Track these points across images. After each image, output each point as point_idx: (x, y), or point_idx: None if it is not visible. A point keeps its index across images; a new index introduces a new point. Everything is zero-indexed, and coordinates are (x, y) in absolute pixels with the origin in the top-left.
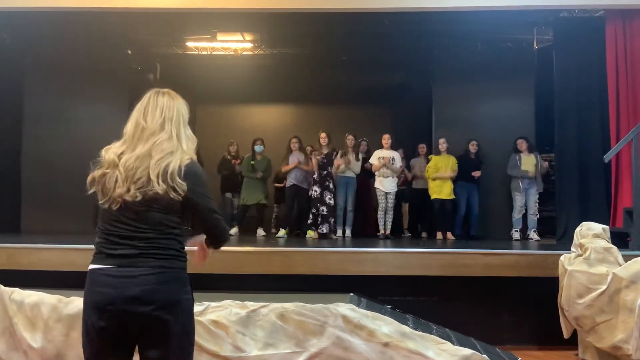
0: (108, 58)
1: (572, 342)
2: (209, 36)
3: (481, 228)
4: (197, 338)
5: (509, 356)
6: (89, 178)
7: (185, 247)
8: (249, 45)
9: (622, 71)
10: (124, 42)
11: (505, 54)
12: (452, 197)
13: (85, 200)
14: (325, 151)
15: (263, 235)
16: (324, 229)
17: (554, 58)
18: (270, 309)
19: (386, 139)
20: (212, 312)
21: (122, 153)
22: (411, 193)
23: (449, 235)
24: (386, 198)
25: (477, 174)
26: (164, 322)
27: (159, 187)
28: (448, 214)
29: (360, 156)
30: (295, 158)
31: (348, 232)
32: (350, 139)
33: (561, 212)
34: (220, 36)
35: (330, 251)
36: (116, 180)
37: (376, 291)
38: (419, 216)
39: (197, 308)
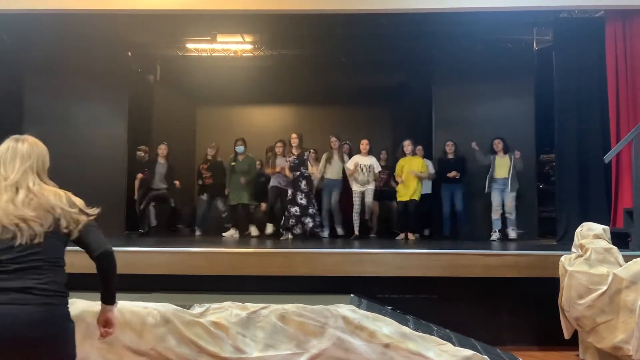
0: (108, 59)
1: (572, 343)
2: (209, 37)
3: (473, 228)
4: (197, 339)
5: (509, 357)
6: None
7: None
8: (249, 46)
9: (621, 71)
10: (124, 44)
11: (505, 54)
12: (415, 197)
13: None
14: (296, 152)
15: (255, 236)
16: (297, 230)
17: (553, 58)
18: (270, 310)
19: (364, 145)
20: (212, 314)
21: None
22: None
23: (410, 235)
24: (362, 199)
25: (452, 174)
26: (41, 356)
27: (43, 227)
28: (412, 215)
29: (346, 158)
30: (281, 162)
31: (340, 231)
32: (333, 141)
33: (561, 212)
34: (220, 37)
35: (330, 252)
36: (7, 223)
37: (376, 292)
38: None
39: (197, 309)
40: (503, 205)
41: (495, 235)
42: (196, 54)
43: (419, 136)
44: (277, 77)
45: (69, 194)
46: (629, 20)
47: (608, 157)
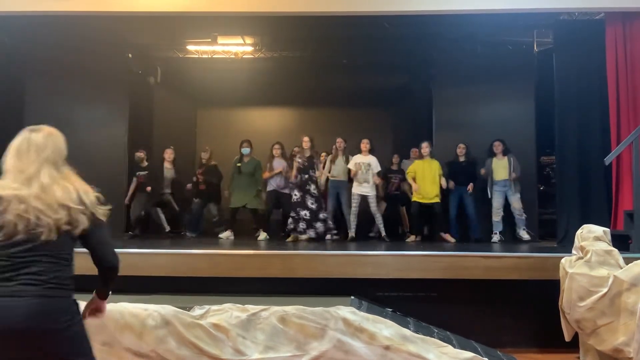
0: (109, 61)
1: (573, 345)
2: (209, 39)
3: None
4: (197, 341)
5: (509, 359)
6: None
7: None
8: (250, 48)
9: (622, 73)
10: (125, 46)
11: (505, 56)
12: (437, 200)
13: None
14: (307, 154)
15: (262, 240)
16: (311, 233)
17: (554, 61)
18: (270, 312)
19: (365, 144)
20: (212, 316)
21: (18, 188)
22: (408, 198)
23: (447, 236)
24: (359, 201)
25: (469, 187)
26: (45, 351)
27: (67, 219)
28: (435, 217)
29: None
30: (278, 164)
31: (352, 234)
32: (339, 142)
33: (562, 214)
34: (220, 39)
35: (330, 254)
36: (23, 215)
37: (377, 294)
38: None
39: (197, 311)
40: (504, 208)
41: (496, 237)
42: (197, 56)
43: (420, 138)
44: (278, 79)
45: (84, 188)
46: (629, 22)
47: (608, 159)
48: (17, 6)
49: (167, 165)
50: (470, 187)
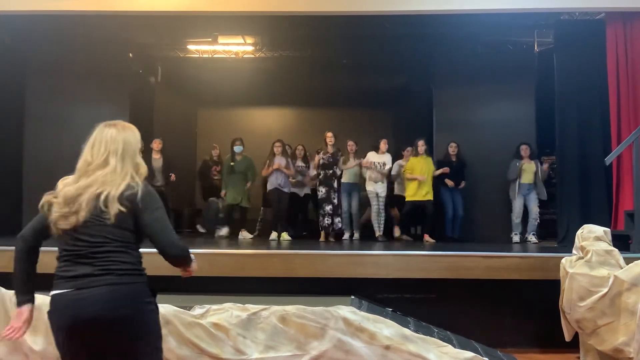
0: (109, 61)
1: (573, 345)
2: (210, 39)
3: (479, 231)
4: (198, 341)
5: (510, 359)
6: (40, 203)
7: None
8: (250, 48)
9: (622, 73)
10: (126, 45)
11: (505, 56)
12: (430, 198)
13: None
14: (330, 151)
15: (244, 238)
16: (336, 226)
17: (554, 61)
18: (271, 311)
19: (384, 143)
20: (213, 315)
21: (67, 184)
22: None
23: (426, 237)
24: (377, 199)
25: (449, 183)
26: (123, 338)
27: (105, 211)
28: (427, 216)
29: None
30: (278, 162)
31: (357, 235)
32: (350, 145)
33: (562, 214)
34: (221, 39)
35: (331, 254)
36: (58, 207)
37: (377, 294)
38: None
39: (197, 311)
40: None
41: (517, 237)
42: (197, 56)
43: (420, 138)
44: (278, 78)
45: (136, 182)
46: (629, 22)
47: (609, 160)
48: (18, 6)
49: (154, 155)
50: (462, 184)
